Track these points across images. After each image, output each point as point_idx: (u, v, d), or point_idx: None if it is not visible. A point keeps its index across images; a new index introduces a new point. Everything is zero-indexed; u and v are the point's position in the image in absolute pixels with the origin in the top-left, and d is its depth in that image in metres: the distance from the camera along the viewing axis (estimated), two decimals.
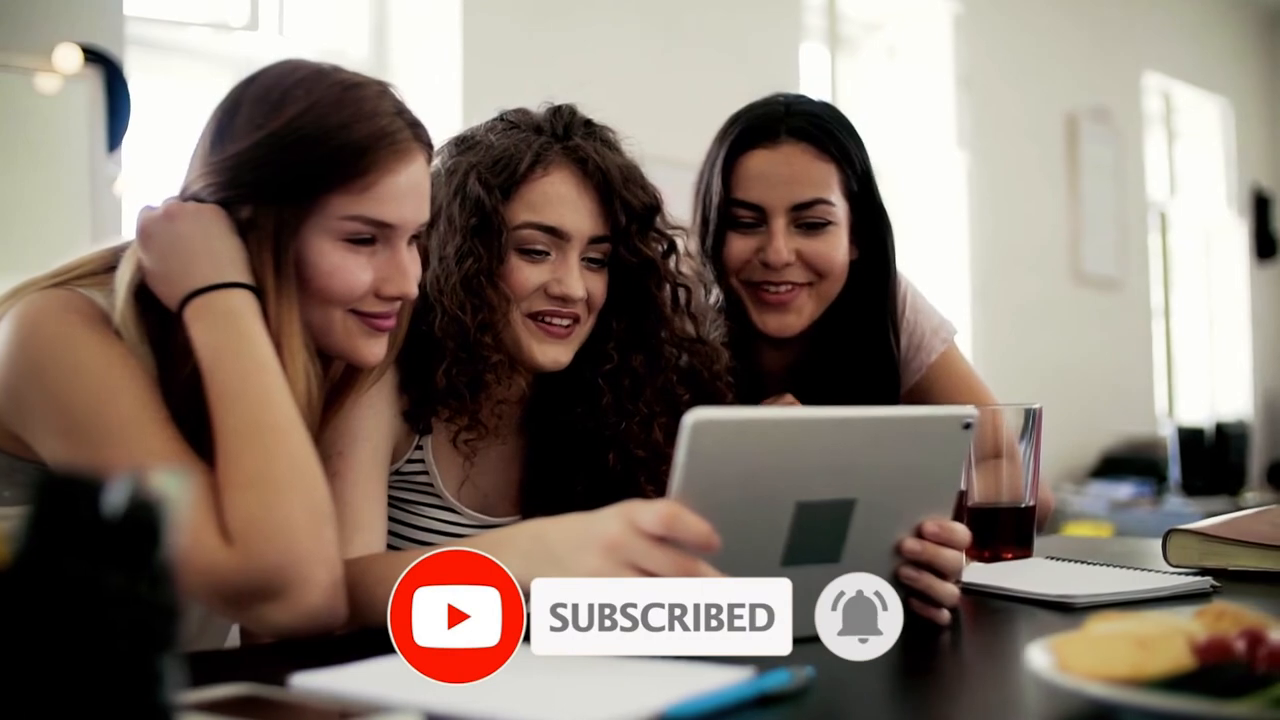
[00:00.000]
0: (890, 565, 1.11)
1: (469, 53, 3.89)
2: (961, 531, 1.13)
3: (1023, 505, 1.53)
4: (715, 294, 1.71)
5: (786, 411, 1.03)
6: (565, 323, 1.44)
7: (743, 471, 1.00)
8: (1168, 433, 5.94)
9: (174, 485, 0.60)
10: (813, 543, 1.05)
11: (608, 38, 4.26)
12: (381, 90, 1.25)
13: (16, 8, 3.15)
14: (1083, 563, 1.51)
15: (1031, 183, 6.01)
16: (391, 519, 1.45)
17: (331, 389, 1.32)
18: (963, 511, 1.29)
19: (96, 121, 3.19)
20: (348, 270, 1.22)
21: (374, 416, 1.38)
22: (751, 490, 1.00)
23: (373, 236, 1.23)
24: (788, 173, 1.67)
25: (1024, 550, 1.52)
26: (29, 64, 3.13)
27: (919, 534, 1.11)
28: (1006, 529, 1.52)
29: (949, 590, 1.12)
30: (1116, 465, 5.89)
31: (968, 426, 1.10)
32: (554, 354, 1.44)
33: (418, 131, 1.26)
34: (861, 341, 1.75)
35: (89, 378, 1.13)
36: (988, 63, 5.76)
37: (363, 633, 1.15)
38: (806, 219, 1.68)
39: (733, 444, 0.99)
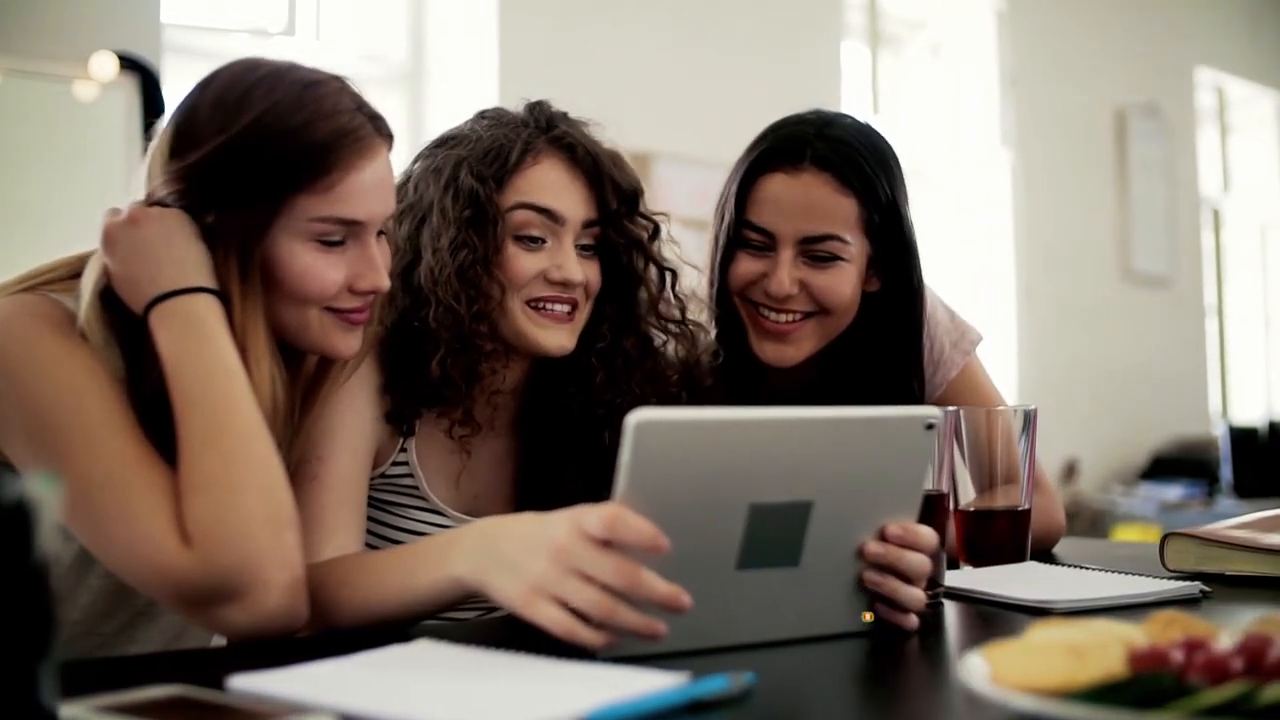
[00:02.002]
0: (853, 569, 1.09)
1: (505, 53, 3.90)
2: (926, 534, 1.11)
3: (1019, 509, 1.50)
4: (699, 278, 1.68)
5: (736, 412, 1.01)
6: (565, 308, 1.44)
7: (691, 473, 0.98)
8: (1220, 432, 5.83)
9: (47, 490, 0.60)
10: (769, 546, 1.04)
11: (645, 36, 4.25)
12: (340, 86, 1.25)
13: (54, 16, 3.20)
14: (1076, 567, 1.48)
15: (1079, 180, 5.93)
16: (376, 521, 1.46)
17: (307, 386, 1.33)
18: (942, 514, 1.26)
19: (133, 128, 3.23)
20: (320, 270, 1.23)
21: (355, 420, 1.38)
22: (701, 492, 0.99)
23: (342, 236, 1.24)
24: (804, 202, 1.61)
25: (1018, 556, 1.50)
26: (66, 71, 3.18)
27: (882, 537, 1.09)
28: (1001, 533, 1.50)
29: (913, 595, 1.10)
30: (1167, 466, 5.79)
31: (930, 427, 1.08)
32: (558, 339, 1.44)
33: (378, 124, 1.27)
34: (877, 374, 1.69)
35: (55, 381, 1.13)
36: (1033, 59, 5.70)
37: (326, 634, 1.16)
38: (815, 251, 1.62)
39: (679, 445, 0.97)
